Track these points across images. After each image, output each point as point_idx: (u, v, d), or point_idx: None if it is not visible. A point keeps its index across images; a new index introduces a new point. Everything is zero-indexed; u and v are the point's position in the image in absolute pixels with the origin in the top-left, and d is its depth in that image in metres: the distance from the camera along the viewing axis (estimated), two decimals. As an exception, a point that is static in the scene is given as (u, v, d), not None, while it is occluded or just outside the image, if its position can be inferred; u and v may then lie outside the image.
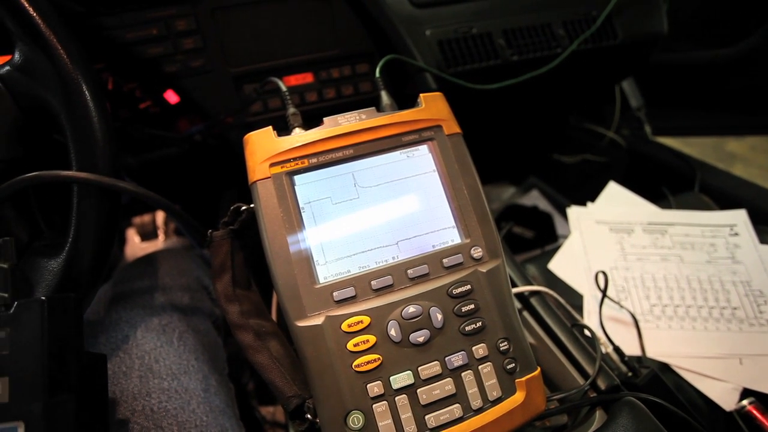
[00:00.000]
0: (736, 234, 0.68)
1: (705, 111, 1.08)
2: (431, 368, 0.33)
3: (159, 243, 1.07)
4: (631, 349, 0.56)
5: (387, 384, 0.32)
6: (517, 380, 0.35)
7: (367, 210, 0.37)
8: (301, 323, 0.33)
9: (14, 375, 0.31)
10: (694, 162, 0.89)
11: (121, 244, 1.09)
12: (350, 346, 0.33)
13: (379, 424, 0.32)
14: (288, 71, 0.65)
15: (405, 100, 0.45)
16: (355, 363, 0.32)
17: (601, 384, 0.42)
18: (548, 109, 1.11)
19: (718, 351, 0.55)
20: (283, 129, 0.39)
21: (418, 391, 0.33)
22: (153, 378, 0.46)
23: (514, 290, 0.50)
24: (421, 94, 0.40)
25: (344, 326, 0.33)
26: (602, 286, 0.58)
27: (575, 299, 0.62)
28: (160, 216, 1.08)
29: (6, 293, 0.34)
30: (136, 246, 1.08)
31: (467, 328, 0.34)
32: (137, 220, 1.07)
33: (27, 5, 0.35)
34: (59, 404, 0.32)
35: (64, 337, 0.34)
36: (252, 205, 0.38)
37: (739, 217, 0.69)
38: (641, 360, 0.55)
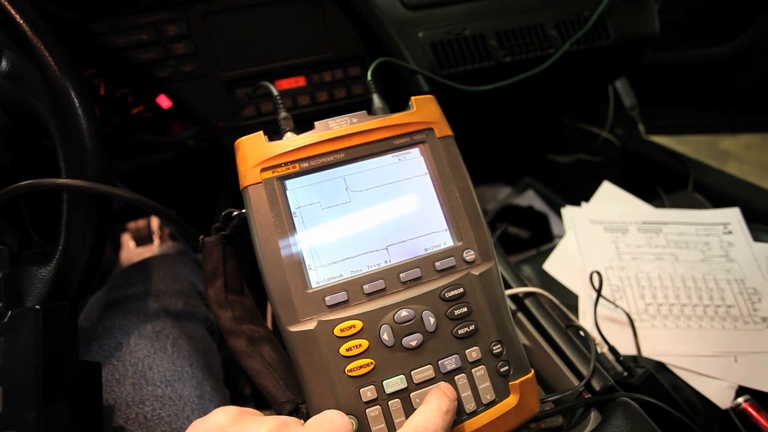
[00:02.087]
0: (730, 232, 0.68)
1: (698, 109, 1.09)
2: (424, 372, 0.33)
3: (154, 248, 1.06)
4: (626, 348, 0.56)
5: (380, 388, 0.32)
6: (510, 383, 0.35)
7: (358, 214, 0.36)
8: (293, 328, 0.33)
9: (8, 384, 0.31)
10: (687, 161, 0.89)
11: (116, 249, 1.09)
12: (343, 350, 0.32)
13: (373, 428, 0.32)
14: (280, 75, 0.65)
15: (398, 102, 0.44)
16: (348, 368, 0.32)
17: (596, 385, 0.42)
18: (542, 109, 1.12)
19: (713, 349, 0.56)
20: (275, 133, 0.39)
21: (412, 395, 0.33)
22: (147, 385, 0.46)
23: (508, 292, 0.50)
24: (412, 97, 0.40)
25: (337, 331, 0.33)
26: (597, 285, 0.58)
27: (570, 299, 0.62)
28: (155, 221, 1.07)
29: (0, 302, 0.33)
30: (131, 251, 1.08)
31: (460, 332, 0.34)
32: (132, 225, 1.07)
33: (14, 12, 0.35)
34: (53, 413, 0.32)
35: (59, 346, 0.33)
36: (244, 210, 0.38)
37: (733, 215, 0.70)
38: (637, 359, 0.55)
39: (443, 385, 0.33)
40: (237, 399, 0.66)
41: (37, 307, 0.32)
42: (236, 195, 0.36)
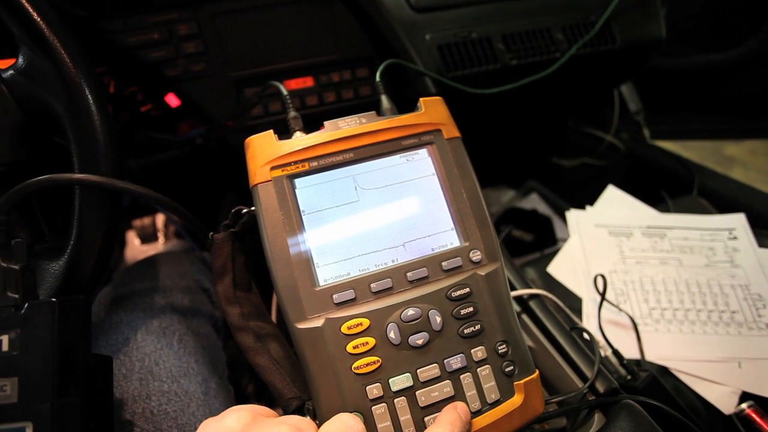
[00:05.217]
0: (735, 238, 0.68)
1: (703, 115, 1.09)
2: (430, 371, 0.33)
3: (159, 245, 1.07)
4: (630, 352, 0.56)
5: (386, 386, 0.33)
6: (515, 383, 0.35)
7: (367, 213, 0.37)
8: (300, 325, 0.33)
9: (23, 375, 0.31)
10: (692, 166, 0.89)
11: (121, 246, 1.09)
12: (350, 348, 0.33)
13: (378, 425, 0.32)
14: (288, 75, 0.66)
15: (405, 103, 0.45)
16: (355, 365, 0.33)
17: (600, 387, 0.42)
18: (547, 113, 1.12)
19: (717, 354, 0.55)
20: (283, 132, 0.40)
21: (417, 393, 0.33)
22: (153, 380, 0.46)
23: (513, 293, 0.51)
24: (420, 99, 0.40)
25: (344, 328, 0.33)
26: (601, 289, 0.58)
27: (574, 302, 0.62)
28: (160, 218, 1.08)
29: (17, 294, 0.34)
30: (136, 248, 1.08)
31: (466, 331, 0.35)
32: (137, 222, 1.07)
33: (31, 10, 0.36)
34: (67, 405, 0.32)
35: (73, 339, 0.34)
36: (253, 208, 0.38)
37: (738, 221, 0.70)
38: (640, 363, 0.55)
39: (459, 406, 0.32)
40: (240, 396, 0.67)
41: (54, 299, 0.32)
42: (242, 194, 0.37)
